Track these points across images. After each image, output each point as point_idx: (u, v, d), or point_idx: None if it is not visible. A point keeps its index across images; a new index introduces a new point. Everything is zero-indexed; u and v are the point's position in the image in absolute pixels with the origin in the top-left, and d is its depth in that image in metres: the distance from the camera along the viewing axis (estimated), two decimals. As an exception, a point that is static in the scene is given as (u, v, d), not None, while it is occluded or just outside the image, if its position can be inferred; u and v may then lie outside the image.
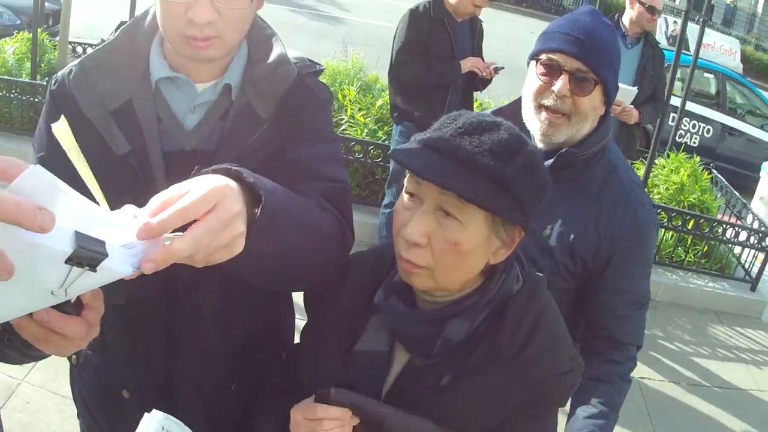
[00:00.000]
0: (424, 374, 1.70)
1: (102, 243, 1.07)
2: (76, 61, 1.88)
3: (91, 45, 9.41)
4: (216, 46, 1.73)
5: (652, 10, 6.02)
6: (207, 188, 1.26)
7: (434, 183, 1.51)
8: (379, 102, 7.39)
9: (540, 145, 2.41)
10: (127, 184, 1.72)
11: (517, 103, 2.51)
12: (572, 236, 2.42)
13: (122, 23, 1.96)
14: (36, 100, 7.64)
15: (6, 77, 7.75)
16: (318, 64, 2.06)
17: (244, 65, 1.91)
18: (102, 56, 1.84)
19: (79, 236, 1.04)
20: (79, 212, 1.05)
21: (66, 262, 1.03)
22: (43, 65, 8.32)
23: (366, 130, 7.09)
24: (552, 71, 2.32)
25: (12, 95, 7.69)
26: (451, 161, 1.53)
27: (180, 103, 1.87)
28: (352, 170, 6.95)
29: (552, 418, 1.80)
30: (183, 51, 1.75)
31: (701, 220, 7.47)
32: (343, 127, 7.18)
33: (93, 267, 1.07)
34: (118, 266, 1.12)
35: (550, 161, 2.36)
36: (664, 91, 6.62)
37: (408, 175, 1.62)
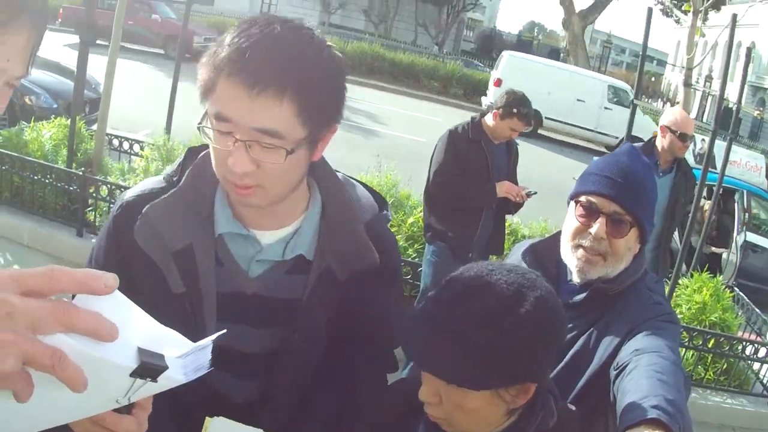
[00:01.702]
0: None
1: (162, 356, 1.15)
2: (141, 190, 1.96)
3: (127, 138, 9.50)
4: (258, 194, 1.75)
5: (683, 138, 6.13)
6: None
7: (417, 365, 1.70)
8: (411, 219, 7.61)
9: (576, 279, 2.47)
10: (179, 321, 1.67)
11: (552, 239, 2.61)
12: (604, 360, 2.36)
13: (190, 150, 2.02)
14: (70, 188, 7.74)
15: (43, 162, 7.87)
16: (386, 205, 2.16)
17: (316, 227, 1.96)
18: (167, 206, 1.88)
19: (141, 352, 1.12)
20: (140, 326, 1.15)
21: (131, 375, 1.11)
22: (79, 154, 8.43)
23: None
24: (590, 213, 2.39)
25: (47, 180, 7.80)
26: (436, 335, 1.64)
27: (245, 252, 1.92)
28: None
29: None
30: (231, 195, 1.82)
31: (721, 339, 7.53)
32: None
33: (154, 378, 1.15)
34: (174, 375, 1.19)
35: (583, 295, 2.45)
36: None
37: None
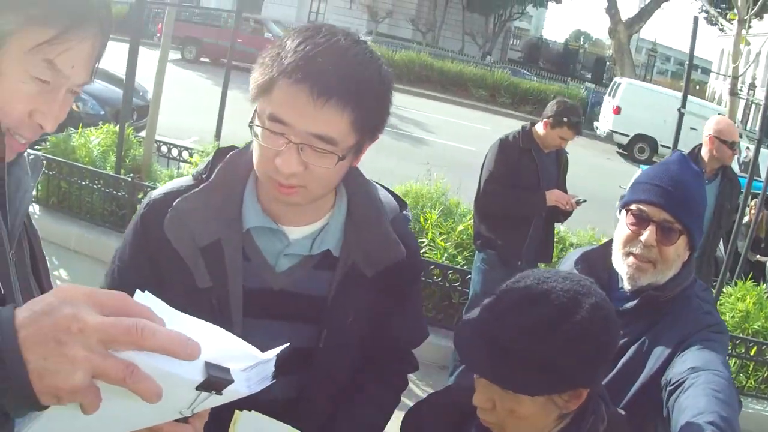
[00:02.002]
0: None
1: (227, 370, 1.18)
2: (168, 189, 2.03)
3: (176, 145, 9.56)
4: (301, 194, 1.82)
5: (732, 146, 6.16)
6: None
7: (478, 376, 1.71)
8: (460, 227, 7.71)
9: (627, 286, 2.51)
10: (205, 316, 1.72)
11: (604, 248, 2.67)
12: (655, 369, 2.39)
13: (220, 150, 2.09)
14: (119, 194, 7.87)
15: (91, 168, 7.92)
16: (406, 206, 2.23)
17: (343, 223, 2.03)
18: (197, 200, 1.94)
19: (208, 366, 1.16)
20: (207, 337, 1.16)
21: (196, 389, 1.16)
22: (127, 160, 8.51)
23: (446, 254, 7.34)
24: (641, 221, 2.43)
25: (95, 186, 7.93)
26: (491, 347, 1.66)
27: (272, 246, 1.98)
28: (429, 293, 7.06)
29: None
30: (272, 193, 1.86)
31: (764, 347, 7.51)
32: (424, 250, 7.30)
33: (219, 392, 1.19)
34: (239, 388, 1.22)
35: (634, 302, 2.48)
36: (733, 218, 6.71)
37: None
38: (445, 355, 6.58)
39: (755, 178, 8.11)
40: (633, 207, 2.45)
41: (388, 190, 2.21)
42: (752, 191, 8.53)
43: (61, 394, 1.00)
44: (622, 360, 2.44)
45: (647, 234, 2.38)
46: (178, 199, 1.93)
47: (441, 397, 2.10)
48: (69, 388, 0.99)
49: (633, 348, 2.46)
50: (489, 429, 1.83)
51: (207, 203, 1.92)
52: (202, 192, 1.94)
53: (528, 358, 1.59)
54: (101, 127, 9.15)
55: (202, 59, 28.45)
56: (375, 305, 2.08)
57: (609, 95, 28.23)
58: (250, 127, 1.79)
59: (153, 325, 1.03)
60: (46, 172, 7.95)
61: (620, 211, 2.55)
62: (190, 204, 1.92)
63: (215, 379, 1.16)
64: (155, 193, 2.03)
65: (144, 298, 1.14)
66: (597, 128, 27.60)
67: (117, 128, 8.45)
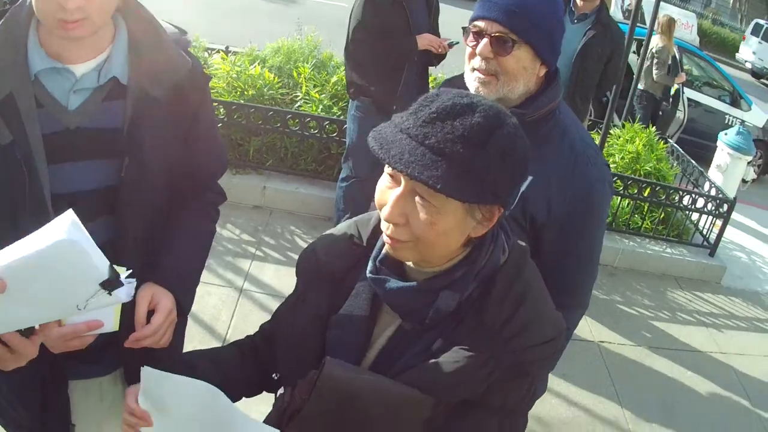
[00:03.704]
0: (416, 339, 1.76)
1: (119, 275, 1.64)
2: None
3: None
4: (85, 26, 1.86)
5: None
6: (168, 307, 2.09)
7: (402, 174, 1.57)
8: (334, 78, 7.38)
9: None
10: (13, 172, 1.91)
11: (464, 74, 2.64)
12: (522, 194, 2.39)
13: (3, 11, 2.05)
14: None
15: None
16: (186, 32, 2.29)
17: (126, 50, 2.06)
18: None
19: (111, 268, 1.62)
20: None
21: (99, 284, 1.58)
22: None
23: (321, 106, 7.13)
24: (477, 37, 2.46)
25: None
26: (421, 147, 1.57)
27: (61, 87, 1.99)
28: (308, 146, 7.06)
29: (536, 382, 1.83)
30: (57, 32, 1.88)
31: (657, 188, 7.55)
32: (299, 103, 7.23)
33: (110, 291, 1.61)
34: (120, 294, 1.66)
35: None
36: (617, 70, 6.77)
37: None
38: (329, 206, 6.65)
39: (639, 25, 8.24)
40: (471, 25, 2.49)
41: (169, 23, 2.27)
42: (636, 37, 8.67)
43: None
44: None
45: (481, 46, 2.42)
46: None
47: (335, 234, 2.04)
48: None
49: None
50: (386, 259, 1.81)
51: None
52: None
53: (463, 162, 1.55)
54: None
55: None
56: (170, 131, 2.15)
57: None
58: None
59: None
60: None
61: (463, 33, 2.57)
62: None
63: (114, 278, 1.57)
64: None
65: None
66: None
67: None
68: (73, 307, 1.59)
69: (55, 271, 1.57)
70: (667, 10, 16.57)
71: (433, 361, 1.70)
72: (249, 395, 2.16)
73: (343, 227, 2.03)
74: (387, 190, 1.68)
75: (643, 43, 8.81)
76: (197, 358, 2.09)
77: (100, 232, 2.06)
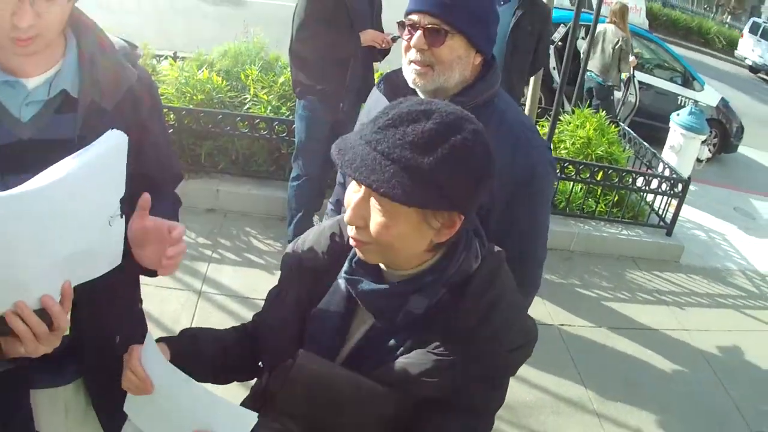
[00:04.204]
0: (388, 337, 1.84)
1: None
2: None
3: None
4: (37, 42, 1.88)
5: None
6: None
7: (352, 177, 1.64)
8: (281, 79, 7.38)
9: (420, 95, 2.57)
10: None
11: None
12: None
13: None
14: None
15: None
16: (137, 47, 2.34)
17: (76, 64, 2.08)
18: None
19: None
20: None
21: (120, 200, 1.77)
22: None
23: (270, 107, 7.11)
24: (412, 29, 2.52)
25: None
26: (374, 153, 1.62)
27: (14, 99, 1.99)
28: (258, 147, 7.08)
29: (504, 384, 1.89)
30: (10, 49, 1.88)
31: (610, 171, 7.62)
32: (247, 105, 7.23)
33: (122, 214, 1.81)
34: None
35: None
36: (547, 47, 6.93)
37: None
38: (282, 206, 6.64)
39: (585, 10, 8.30)
40: (405, 19, 2.54)
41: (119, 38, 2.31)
42: (582, 23, 8.72)
43: None
44: None
45: (415, 38, 2.48)
46: None
47: (330, 225, 2.09)
48: None
49: None
50: (364, 263, 1.87)
51: None
52: None
53: (409, 167, 1.59)
54: None
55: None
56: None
57: None
58: None
59: None
60: None
61: (399, 27, 2.62)
62: None
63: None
64: None
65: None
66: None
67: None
68: (106, 223, 1.73)
69: (99, 180, 1.74)
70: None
71: (402, 359, 1.77)
72: (242, 377, 2.31)
73: (327, 224, 2.09)
74: (353, 194, 1.74)
75: (590, 28, 8.87)
76: (201, 332, 2.19)
77: None
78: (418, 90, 2.59)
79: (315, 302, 1.95)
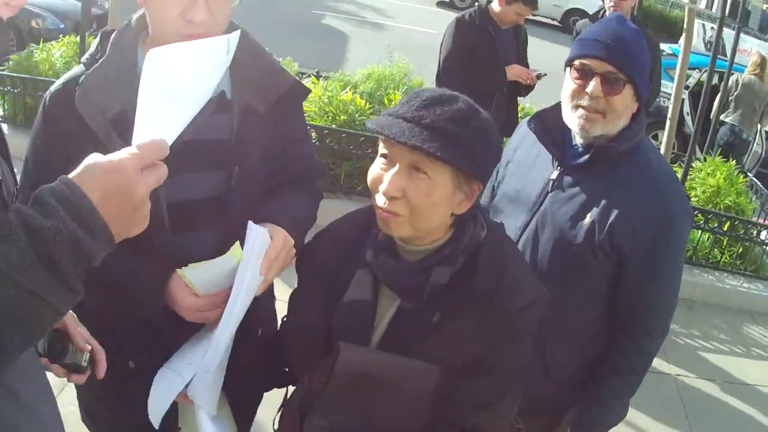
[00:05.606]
0: (416, 316, 1.97)
1: None
2: (65, 79, 2.18)
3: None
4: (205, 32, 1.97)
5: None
6: (288, 244, 2.16)
7: (407, 145, 1.77)
8: None
9: (579, 140, 2.67)
10: None
11: (556, 107, 2.75)
12: (609, 226, 2.57)
13: (104, 33, 2.22)
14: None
15: (55, 80, 7.71)
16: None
17: (229, 66, 2.11)
18: (98, 75, 2.07)
19: None
20: None
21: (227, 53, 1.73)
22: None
23: None
24: (585, 75, 2.54)
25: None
26: (417, 127, 1.80)
27: None
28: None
29: (527, 341, 2.06)
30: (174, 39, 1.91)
31: (736, 222, 7.57)
32: None
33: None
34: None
35: (587, 156, 2.62)
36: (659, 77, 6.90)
37: (381, 142, 1.88)
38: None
39: (720, 56, 8.24)
40: (576, 62, 2.56)
41: None
42: (717, 69, 8.65)
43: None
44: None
45: (593, 85, 2.49)
46: (82, 77, 2.07)
47: (330, 228, 2.23)
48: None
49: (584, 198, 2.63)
50: (381, 245, 2.02)
51: (106, 76, 2.06)
52: (101, 67, 2.07)
53: (453, 136, 1.79)
54: (62, 40, 8.92)
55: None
56: (271, 141, 2.29)
57: None
58: None
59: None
60: (11, 90, 7.79)
61: (565, 68, 2.65)
62: (94, 80, 2.05)
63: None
64: (53, 87, 2.19)
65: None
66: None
67: (78, 39, 8.39)
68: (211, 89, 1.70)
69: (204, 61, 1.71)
70: (747, 41, 16.54)
71: (434, 333, 1.93)
72: (271, 381, 2.47)
73: (328, 227, 2.23)
74: (382, 173, 1.88)
75: (725, 75, 8.80)
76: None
77: (207, 241, 2.24)
78: (577, 134, 2.64)
79: (335, 300, 2.06)
